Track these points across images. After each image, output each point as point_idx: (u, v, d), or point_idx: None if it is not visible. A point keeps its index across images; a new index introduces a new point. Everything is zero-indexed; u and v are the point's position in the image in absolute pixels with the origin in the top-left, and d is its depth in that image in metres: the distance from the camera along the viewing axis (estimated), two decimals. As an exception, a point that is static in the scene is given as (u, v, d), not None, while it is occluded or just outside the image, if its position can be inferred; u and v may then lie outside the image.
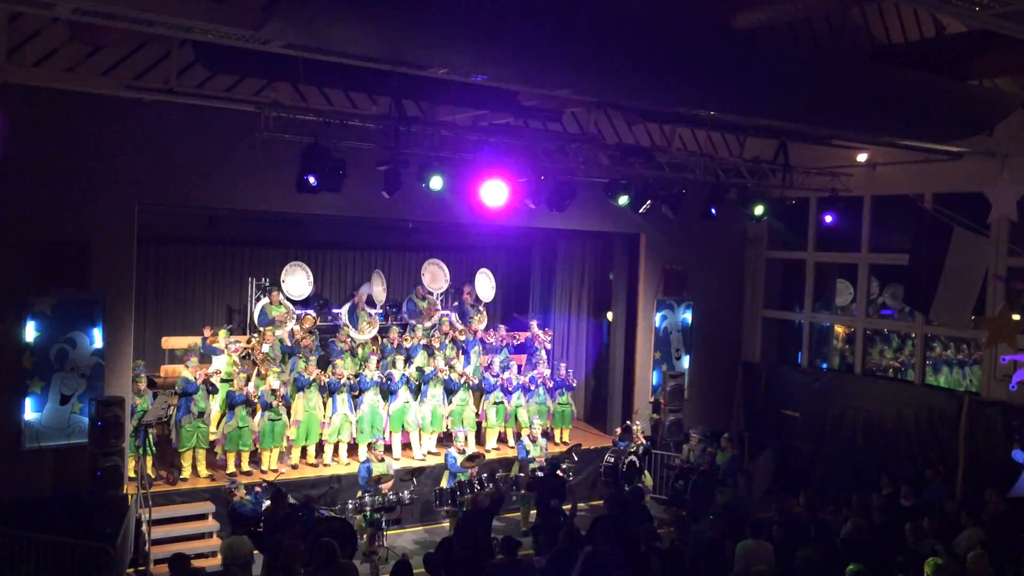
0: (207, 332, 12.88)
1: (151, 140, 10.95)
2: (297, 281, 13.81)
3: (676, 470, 13.20)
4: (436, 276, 15.18)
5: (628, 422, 14.25)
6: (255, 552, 9.16)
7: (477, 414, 14.19)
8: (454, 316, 15.13)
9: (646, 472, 13.24)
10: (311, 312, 14.09)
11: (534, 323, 16.03)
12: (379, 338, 14.17)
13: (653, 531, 8.66)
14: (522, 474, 12.50)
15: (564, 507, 11.39)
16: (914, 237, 11.64)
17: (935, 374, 14.57)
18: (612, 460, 13.17)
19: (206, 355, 12.68)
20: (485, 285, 15.57)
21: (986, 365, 12.92)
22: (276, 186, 11.30)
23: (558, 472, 11.93)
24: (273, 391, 12.21)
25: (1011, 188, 9.53)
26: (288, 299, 13.70)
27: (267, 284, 13.92)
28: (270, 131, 9.24)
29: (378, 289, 14.64)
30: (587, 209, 13.09)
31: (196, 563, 8.79)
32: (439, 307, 15.14)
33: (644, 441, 13.69)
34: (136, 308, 11.53)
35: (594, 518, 9.81)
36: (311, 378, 12.58)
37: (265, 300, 13.59)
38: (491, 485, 11.81)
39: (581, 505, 13.10)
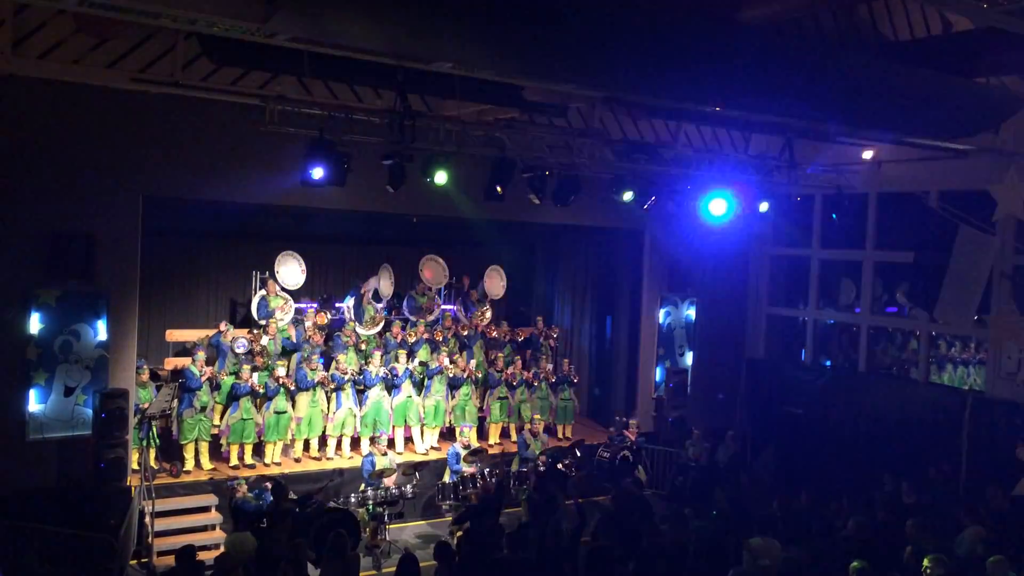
0: (222, 327, 12.89)
1: (156, 133, 10.96)
2: (290, 270, 13.79)
3: (677, 466, 13.21)
4: (435, 271, 15.14)
5: (618, 418, 14.25)
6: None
7: (480, 409, 14.20)
8: (458, 311, 15.14)
9: (640, 467, 13.26)
10: (323, 310, 14.09)
11: (540, 320, 16.05)
12: (382, 333, 14.18)
13: (655, 527, 8.66)
14: (523, 469, 12.52)
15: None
16: (920, 235, 11.62)
17: (939, 372, 14.55)
18: (607, 455, 13.19)
19: (216, 347, 12.69)
20: (496, 282, 15.55)
21: (990, 363, 12.90)
22: (281, 180, 11.30)
23: (559, 466, 11.95)
24: (277, 378, 12.22)
25: (1017, 186, 9.50)
26: (283, 289, 13.70)
27: (266, 276, 13.94)
28: (275, 124, 9.24)
29: (385, 283, 14.62)
30: (591, 205, 13.07)
31: (199, 555, 8.80)
32: (439, 302, 15.15)
33: (636, 437, 13.67)
34: (140, 301, 11.55)
35: (596, 515, 9.81)
36: (316, 380, 12.56)
37: (263, 292, 13.60)
38: (494, 480, 11.83)
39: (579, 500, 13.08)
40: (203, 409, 11.88)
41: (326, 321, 13.69)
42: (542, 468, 12.05)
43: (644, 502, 10.40)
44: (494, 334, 15.01)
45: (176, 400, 11.82)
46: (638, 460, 13.30)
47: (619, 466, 12.84)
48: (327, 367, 13.07)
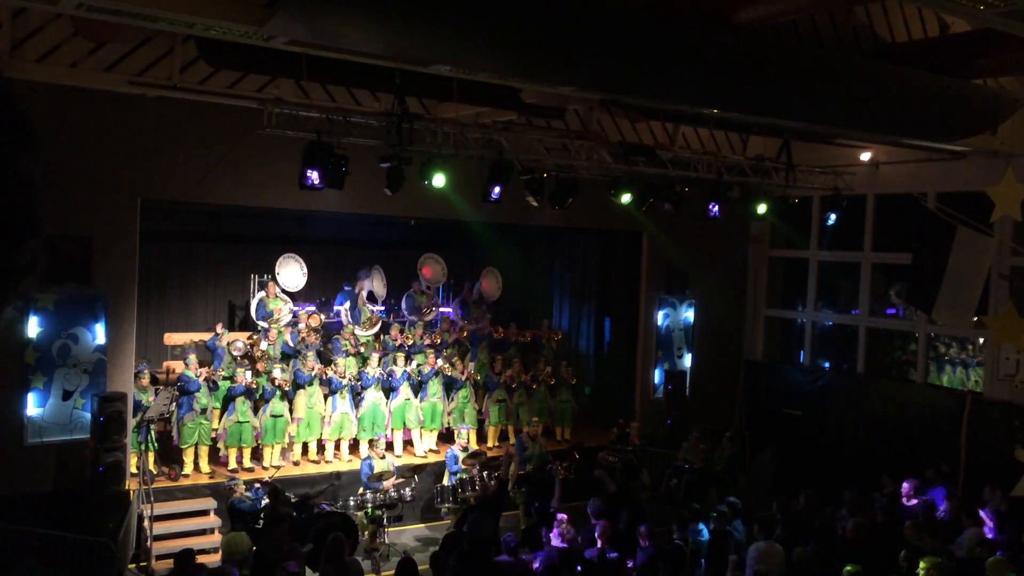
0: (219, 329, 12.88)
1: (154, 136, 10.96)
2: (291, 273, 13.80)
3: (672, 468, 13.18)
4: (433, 270, 15.15)
5: (621, 421, 14.23)
6: (254, 548, 9.18)
7: (480, 411, 14.19)
8: (455, 314, 15.12)
9: (644, 471, 13.23)
10: (318, 311, 14.08)
11: (545, 322, 16.06)
12: (381, 335, 14.17)
13: (651, 529, 8.65)
14: (521, 471, 12.50)
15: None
16: (917, 236, 11.63)
17: (938, 373, 14.55)
18: (610, 460, 13.15)
19: (212, 351, 12.68)
20: (492, 283, 15.55)
21: (988, 365, 12.91)
22: (278, 183, 11.30)
23: (548, 468, 11.95)
24: (273, 379, 12.22)
25: (1015, 188, 9.50)
26: (284, 291, 13.70)
27: (267, 278, 13.94)
28: (273, 127, 9.24)
29: (378, 285, 14.63)
30: (589, 207, 13.08)
31: (197, 559, 8.80)
32: (438, 302, 15.14)
33: (639, 440, 13.66)
34: (138, 304, 11.54)
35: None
36: (311, 374, 12.58)
37: (262, 294, 13.59)
38: (493, 482, 11.80)
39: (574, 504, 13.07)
40: (203, 412, 11.87)
41: (320, 323, 13.68)
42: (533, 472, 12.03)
43: (637, 505, 10.39)
44: (500, 335, 15.00)
45: (174, 404, 11.79)
46: (641, 464, 13.27)
47: (624, 470, 12.79)
48: (326, 366, 13.06)
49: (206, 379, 11.95)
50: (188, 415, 11.76)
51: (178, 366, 12.51)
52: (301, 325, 13.34)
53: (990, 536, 8.81)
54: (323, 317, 13.91)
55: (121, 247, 10.95)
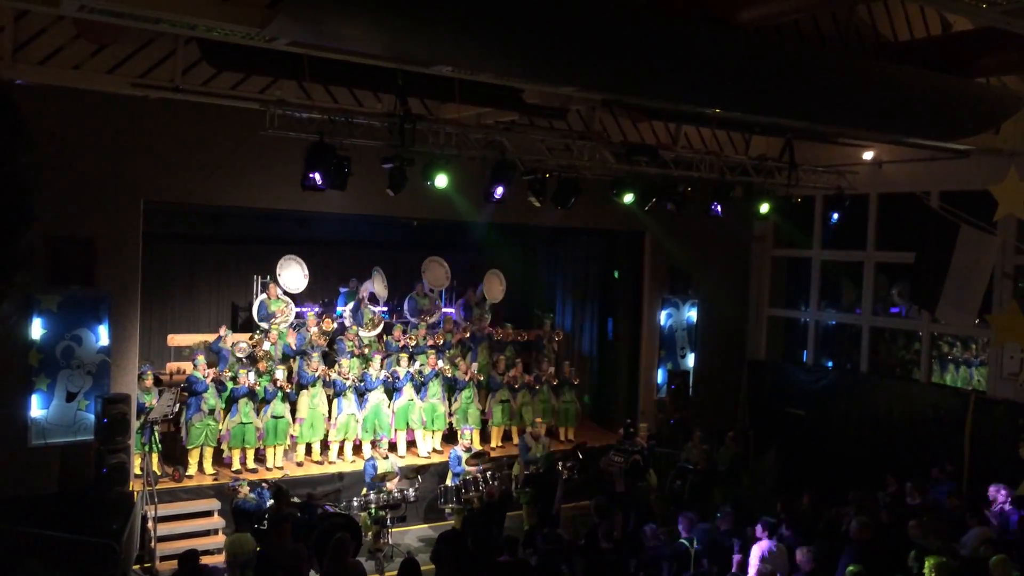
0: (222, 331, 12.89)
1: (157, 138, 10.98)
2: (292, 274, 13.81)
3: (676, 469, 13.17)
4: (437, 273, 15.16)
5: (629, 421, 14.21)
6: (258, 549, 9.18)
7: (483, 412, 14.18)
8: (458, 315, 15.13)
9: (651, 471, 13.23)
10: (326, 314, 14.09)
11: (548, 322, 16.04)
12: (383, 336, 14.18)
13: (655, 531, 8.65)
14: (526, 472, 12.50)
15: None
16: (920, 235, 11.62)
17: (942, 372, 14.53)
18: (615, 460, 13.14)
19: (216, 353, 12.69)
20: (495, 286, 15.54)
21: (992, 363, 12.88)
22: (281, 184, 11.31)
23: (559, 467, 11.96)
24: (275, 381, 12.23)
25: (1018, 186, 9.50)
26: (285, 293, 13.71)
27: (267, 280, 13.95)
28: (275, 129, 9.24)
29: (379, 287, 14.64)
30: (592, 207, 13.07)
31: (201, 560, 8.81)
32: (440, 305, 15.14)
33: (646, 442, 13.65)
34: (142, 305, 11.56)
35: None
36: (316, 375, 12.59)
37: (263, 295, 13.60)
38: (496, 482, 11.81)
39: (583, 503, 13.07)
40: (211, 412, 11.89)
41: (332, 328, 13.70)
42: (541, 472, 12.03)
43: (643, 506, 10.39)
44: (499, 336, 15.00)
45: (179, 405, 11.81)
46: (648, 464, 13.26)
47: (630, 471, 12.78)
48: (329, 367, 13.07)
49: (214, 380, 11.98)
50: (196, 416, 11.78)
51: (186, 367, 12.53)
52: (314, 329, 13.32)
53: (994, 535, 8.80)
54: (335, 324, 13.90)
55: (124, 249, 10.96)
